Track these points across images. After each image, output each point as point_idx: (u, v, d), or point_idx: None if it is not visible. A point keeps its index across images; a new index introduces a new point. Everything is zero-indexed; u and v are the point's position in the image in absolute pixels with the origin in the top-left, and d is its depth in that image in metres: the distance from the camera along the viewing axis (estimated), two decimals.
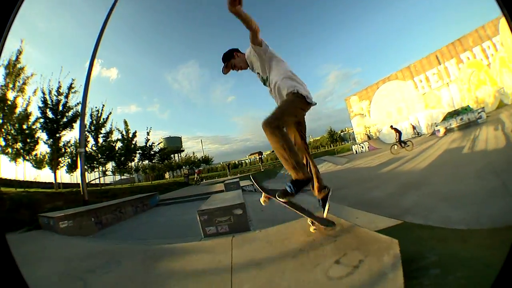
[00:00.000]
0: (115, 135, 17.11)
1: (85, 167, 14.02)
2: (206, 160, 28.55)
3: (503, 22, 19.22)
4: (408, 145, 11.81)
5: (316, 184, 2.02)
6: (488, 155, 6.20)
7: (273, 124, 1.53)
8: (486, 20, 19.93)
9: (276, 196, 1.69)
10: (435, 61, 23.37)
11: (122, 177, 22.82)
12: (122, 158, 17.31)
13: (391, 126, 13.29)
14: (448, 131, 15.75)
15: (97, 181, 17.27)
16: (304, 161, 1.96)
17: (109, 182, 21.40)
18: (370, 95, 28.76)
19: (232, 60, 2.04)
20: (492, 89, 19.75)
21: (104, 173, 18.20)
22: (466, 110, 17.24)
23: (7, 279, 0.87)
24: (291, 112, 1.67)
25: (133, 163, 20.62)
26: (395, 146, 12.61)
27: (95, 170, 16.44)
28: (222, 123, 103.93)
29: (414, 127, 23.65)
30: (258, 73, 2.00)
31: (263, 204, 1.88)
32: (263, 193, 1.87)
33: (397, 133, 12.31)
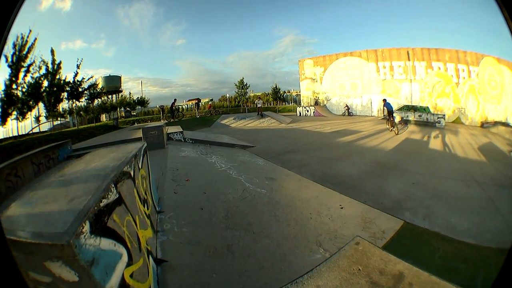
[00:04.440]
0: (38, 68, 13.61)
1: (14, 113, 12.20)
2: (142, 102, 25.83)
3: (486, 60, 19.60)
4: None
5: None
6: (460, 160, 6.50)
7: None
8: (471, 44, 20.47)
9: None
10: (405, 55, 23.43)
11: (55, 123, 19.29)
12: (52, 99, 14.03)
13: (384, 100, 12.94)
14: (403, 121, 16.58)
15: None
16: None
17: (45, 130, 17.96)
18: (327, 63, 28.20)
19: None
20: (454, 104, 20.58)
21: (37, 120, 15.71)
22: (424, 110, 17.77)
23: (7, 280, 0.86)
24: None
25: (66, 105, 17.32)
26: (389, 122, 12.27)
27: (27, 117, 13.59)
28: (165, 65, 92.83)
29: (348, 108, 24.64)
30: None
31: None
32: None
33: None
